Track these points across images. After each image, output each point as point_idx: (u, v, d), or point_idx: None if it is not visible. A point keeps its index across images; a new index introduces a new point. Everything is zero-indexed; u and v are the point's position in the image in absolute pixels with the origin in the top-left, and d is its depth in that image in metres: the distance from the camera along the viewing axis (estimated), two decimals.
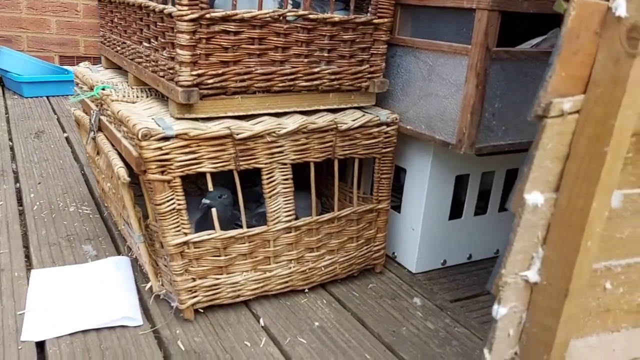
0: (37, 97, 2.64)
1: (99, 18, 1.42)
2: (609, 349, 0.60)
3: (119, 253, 1.16)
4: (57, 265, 1.10)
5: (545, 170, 0.50)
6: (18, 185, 1.51)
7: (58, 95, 2.70)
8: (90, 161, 1.27)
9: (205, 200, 0.93)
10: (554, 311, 0.53)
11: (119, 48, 1.21)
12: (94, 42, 3.26)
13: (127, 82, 1.17)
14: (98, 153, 1.12)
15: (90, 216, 1.33)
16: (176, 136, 0.85)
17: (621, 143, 0.46)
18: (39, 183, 1.52)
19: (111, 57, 1.28)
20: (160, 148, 0.84)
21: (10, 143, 1.88)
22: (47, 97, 2.67)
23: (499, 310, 0.54)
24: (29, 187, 1.49)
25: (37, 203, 1.38)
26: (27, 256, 1.13)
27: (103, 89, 1.09)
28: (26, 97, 2.60)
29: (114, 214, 1.16)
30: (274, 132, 0.93)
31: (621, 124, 0.46)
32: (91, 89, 1.18)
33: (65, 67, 3.05)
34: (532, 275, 0.54)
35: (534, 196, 0.51)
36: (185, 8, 0.82)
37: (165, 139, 0.84)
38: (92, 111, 1.11)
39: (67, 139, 1.99)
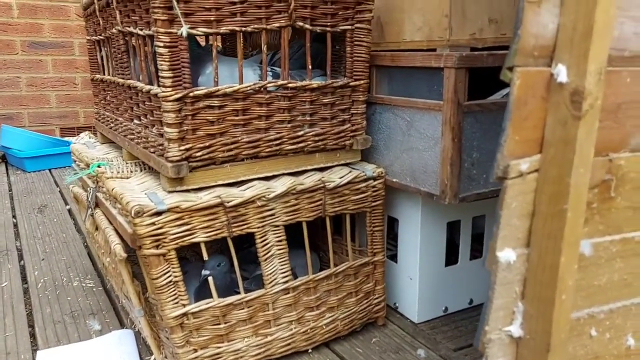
0: (39, 170, 2.70)
1: (93, 96, 1.48)
2: None
3: (122, 326, 1.17)
4: (62, 343, 1.11)
5: (514, 228, 0.53)
6: (22, 262, 1.53)
7: (60, 167, 2.76)
8: (90, 237, 1.29)
9: (205, 272, 0.95)
10: None
11: (112, 125, 1.26)
12: (93, 112, 3.36)
13: (122, 156, 1.21)
14: (97, 229, 1.15)
15: (94, 289, 1.35)
16: (168, 210, 0.88)
17: (579, 200, 0.49)
18: (43, 259, 1.54)
19: (105, 133, 1.33)
20: (153, 223, 0.87)
21: (14, 220, 1.92)
22: (50, 169, 2.74)
23: None
24: (33, 264, 1.51)
25: (42, 280, 1.40)
26: (33, 336, 1.14)
27: (98, 167, 1.13)
28: (29, 172, 2.67)
29: (115, 287, 1.18)
30: (263, 197, 0.96)
31: (576, 182, 0.48)
32: (87, 166, 1.22)
33: (65, 138, 3.14)
34: (515, 330, 0.55)
35: (506, 253, 0.53)
36: (169, 89, 0.87)
37: (158, 213, 0.87)
38: (88, 188, 1.14)
39: (69, 211, 2.02)
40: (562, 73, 0.48)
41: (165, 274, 0.89)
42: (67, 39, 3.25)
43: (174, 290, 0.90)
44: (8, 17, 3.09)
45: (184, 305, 0.92)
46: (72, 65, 3.29)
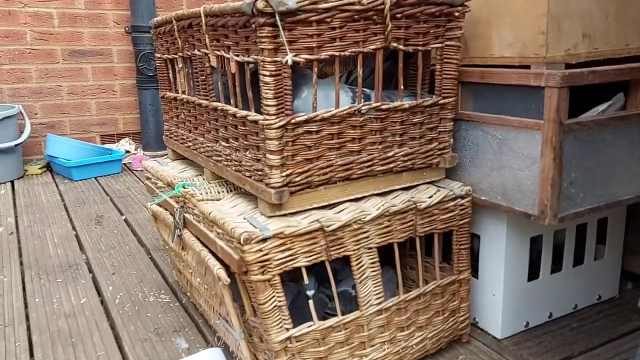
0: (86, 179, 2.74)
1: (163, 112, 1.49)
2: None
3: (207, 343, 1.19)
4: None
5: None
6: (92, 276, 1.56)
7: (105, 175, 2.80)
8: (173, 254, 1.31)
9: (311, 292, 0.96)
10: None
11: (190, 144, 1.28)
12: (131, 119, 3.40)
13: (200, 175, 1.22)
14: (183, 248, 1.16)
15: (171, 305, 1.37)
16: (273, 236, 0.89)
17: None
18: (113, 274, 1.57)
19: (181, 152, 1.35)
20: (260, 250, 0.88)
21: (75, 232, 1.95)
22: (95, 177, 2.77)
23: None
24: (105, 278, 1.54)
25: (118, 296, 1.43)
26: (122, 354, 1.16)
27: (183, 187, 1.15)
28: (76, 181, 2.70)
29: (203, 306, 1.19)
30: (359, 220, 0.96)
31: None
32: (168, 185, 1.23)
33: (107, 146, 3.19)
34: None
35: None
36: (273, 117, 0.88)
37: (264, 240, 0.88)
38: (175, 209, 1.16)
39: (125, 221, 2.05)
40: None
41: (270, 299, 0.90)
42: (105, 46, 3.29)
43: (278, 315, 0.91)
44: (49, 27, 3.13)
45: (287, 329, 0.93)
46: (111, 73, 3.33)
